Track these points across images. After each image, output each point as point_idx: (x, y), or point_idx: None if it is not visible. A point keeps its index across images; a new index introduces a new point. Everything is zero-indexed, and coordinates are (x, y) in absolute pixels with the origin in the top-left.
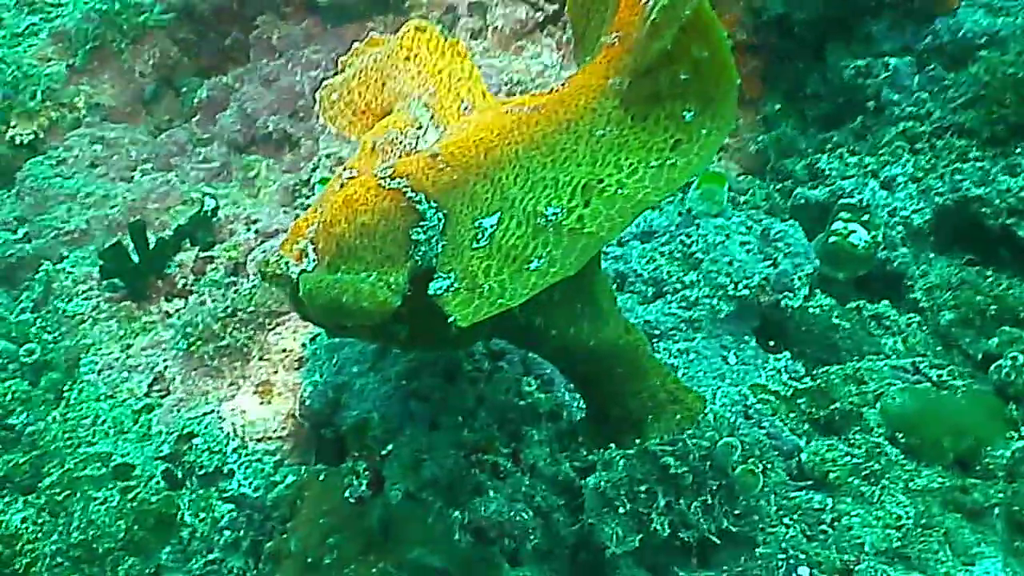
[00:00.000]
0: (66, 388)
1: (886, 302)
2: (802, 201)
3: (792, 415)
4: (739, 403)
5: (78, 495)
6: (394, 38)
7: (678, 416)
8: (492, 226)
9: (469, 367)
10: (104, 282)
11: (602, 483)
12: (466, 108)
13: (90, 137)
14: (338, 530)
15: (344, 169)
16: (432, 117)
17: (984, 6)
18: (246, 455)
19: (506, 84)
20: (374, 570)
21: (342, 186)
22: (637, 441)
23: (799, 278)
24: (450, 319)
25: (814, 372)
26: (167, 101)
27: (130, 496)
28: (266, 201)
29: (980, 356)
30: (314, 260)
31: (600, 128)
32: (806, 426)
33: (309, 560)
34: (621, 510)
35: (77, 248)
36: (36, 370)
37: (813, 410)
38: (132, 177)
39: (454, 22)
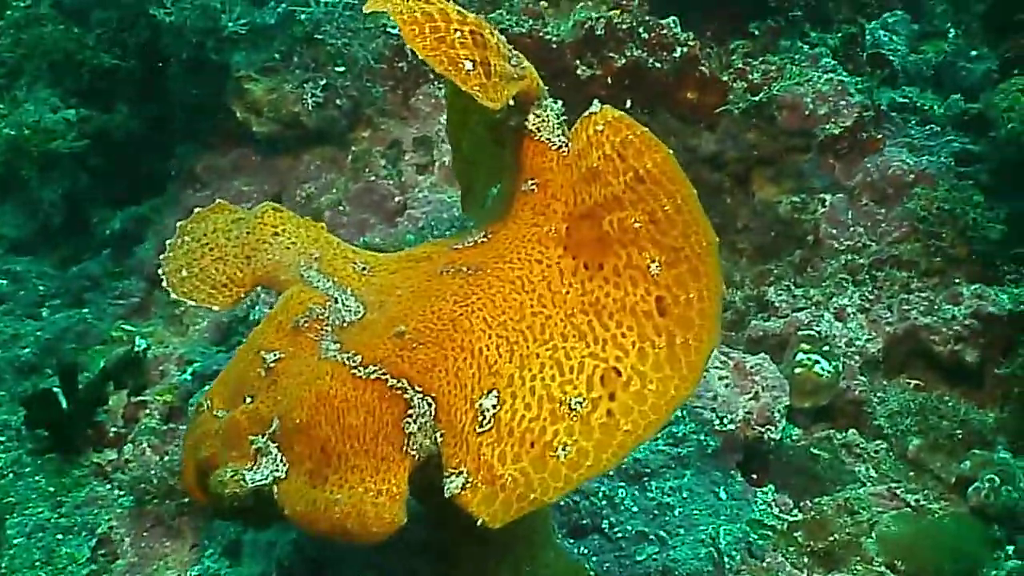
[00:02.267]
0: None
1: (853, 431)
2: (760, 333)
3: (792, 548)
4: (742, 540)
5: None
6: (248, 214)
7: None
8: (494, 407)
9: None
10: (24, 432)
11: None
12: (364, 269)
13: None
14: None
15: (260, 350)
16: (335, 282)
17: (907, 146)
18: None
19: (458, 220)
20: None
21: (268, 370)
22: None
23: (778, 411)
24: (478, 522)
25: (801, 504)
26: (76, 232)
27: None
28: (196, 339)
29: (953, 480)
30: (281, 464)
31: (556, 282)
32: (806, 559)
33: None
34: None
35: None
36: None
37: (812, 543)
38: (40, 314)
39: (399, 156)
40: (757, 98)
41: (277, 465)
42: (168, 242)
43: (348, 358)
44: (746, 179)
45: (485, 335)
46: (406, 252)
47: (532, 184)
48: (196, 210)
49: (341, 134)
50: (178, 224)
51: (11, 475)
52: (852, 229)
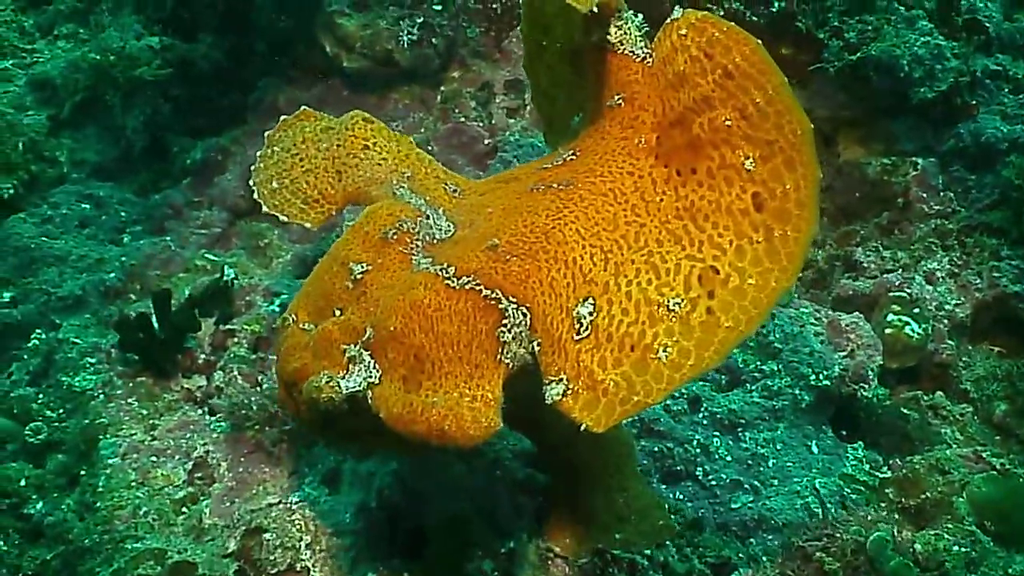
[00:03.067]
0: (82, 473)
1: (940, 393)
2: (850, 293)
3: (883, 505)
4: (836, 494)
5: None
6: (337, 125)
7: (660, 523)
8: (590, 313)
9: None
10: (113, 354)
11: None
12: (455, 191)
13: (77, 195)
14: None
15: (347, 261)
16: (427, 201)
17: (999, 114)
18: (320, 551)
19: None
20: None
21: (355, 281)
22: (617, 537)
23: (872, 369)
24: (581, 427)
25: (890, 462)
26: (156, 160)
27: None
28: (280, 272)
29: None
30: (375, 370)
31: (650, 191)
32: (897, 515)
33: None
34: None
35: (71, 315)
36: (40, 452)
37: (903, 500)
38: (122, 240)
39: (489, 98)
40: (854, 57)
41: (371, 372)
42: (258, 153)
43: (442, 269)
44: (833, 139)
45: (579, 246)
46: (494, 176)
47: (618, 99)
48: (282, 118)
49: (434, 73)
50: (266, 134)
51: (102, 396)
52: (943, 194)
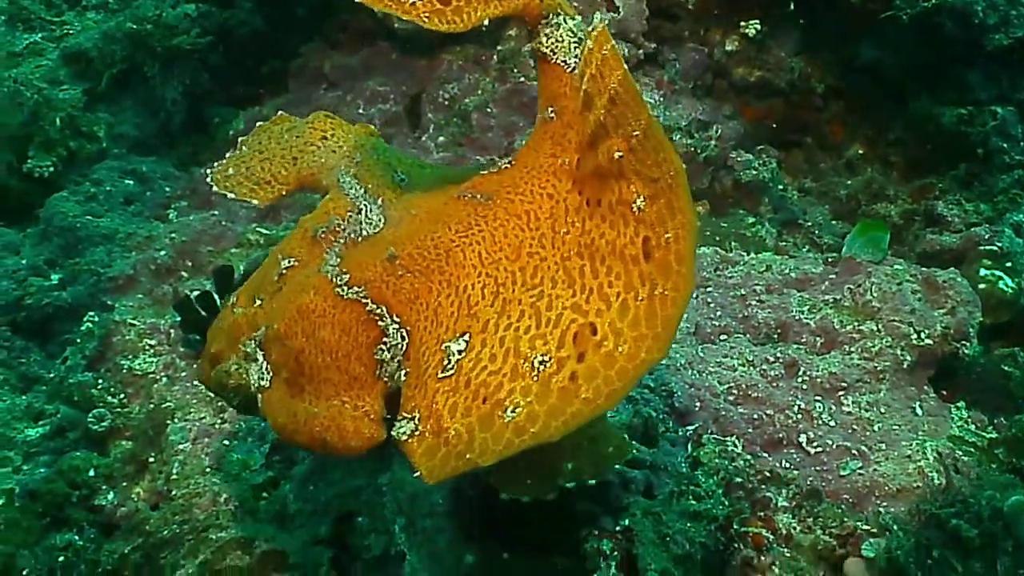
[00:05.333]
0: (151, 460)
1: None
2: (936, 247)
3: (994, 466)
4: (947, 456)
5: None
6: (301, 123)
7: (611, 449)
8: (460, 352)
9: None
10: (173, 335)
11: (891, 551)
12: (403, 180)
13: (119, 171)
14: None
15: (281, 255)
16: (366, 191)
17: None
18: (415, 534)
19: None
20: None
21: (280, 276)
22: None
23: (972, 326)
24: (415, 473)
25: (995, 421)
26: (196, 132)
27: None
28: None
29: None
30: (267, 371)
31: (561, 221)
32: (1009, 476)
33: None
34: None
35: (123, 296)
36: (103, 439)
37: (1015, 460)
38: (167, 215)
39: None
40: (927, 3)
41: (263, 373)
42: (227, 154)
43: (337, 275)
44: (902, 90)
45: (475, 272)
46: (451, 171)
47: (551, 112)
48: (258, 124)
49: (490, 32)
50: (239, 139)
51: (165, 379)
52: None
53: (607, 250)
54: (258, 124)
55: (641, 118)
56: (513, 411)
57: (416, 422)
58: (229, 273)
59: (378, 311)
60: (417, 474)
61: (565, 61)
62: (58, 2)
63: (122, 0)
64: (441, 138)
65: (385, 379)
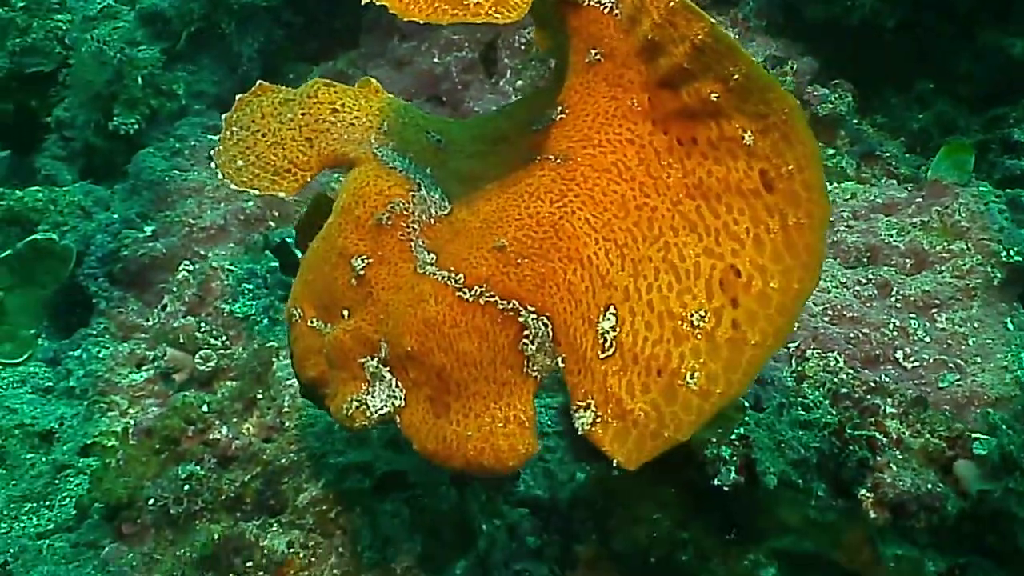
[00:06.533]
0: (259, 396)
1: None
2: (1017, 172)
3: None
4: None
5: (356, 511)
6: (296, 95)
7: None
8: (613, 328)
9: None
10: (270, 279)
11: (1003, 447)
12: (439, 141)
13: (201, 127)
14: (685, 524)
15: (342, 252)
16: (411, 161)
17: None
18: None
19: None
20: (745, 562)
21: (359, 278)
22: None
23: None
24: (614, 464)
25: None
26: None
27: (419, 508)
28: None
29: None
30: (399, 390)
31: (655, 164)
32: None
33: (653, 560)
34: None
35: (215, 246)
36: (209, 380)
37: None
38: None
39: None
40: None
41: (394, 392)
42: (218, 136)
43: (450, 278)
44: (969, 22)
45: (592, 240)
46: (478, 128)
47: (596, 55)
48: (238, 97)
49: None
50: (223, 116)
51: (266, 320)
52: None
53: (720, 187)
54: (238, 97)
55: (739, 62)
56: (692, 377)
57: (594, 409)
58: (288, 249)
59: (511, 307)
60: (615, 463)
61: (600, 2)
62: None
63: None
64: (520, 82)
65: (535, 374)
